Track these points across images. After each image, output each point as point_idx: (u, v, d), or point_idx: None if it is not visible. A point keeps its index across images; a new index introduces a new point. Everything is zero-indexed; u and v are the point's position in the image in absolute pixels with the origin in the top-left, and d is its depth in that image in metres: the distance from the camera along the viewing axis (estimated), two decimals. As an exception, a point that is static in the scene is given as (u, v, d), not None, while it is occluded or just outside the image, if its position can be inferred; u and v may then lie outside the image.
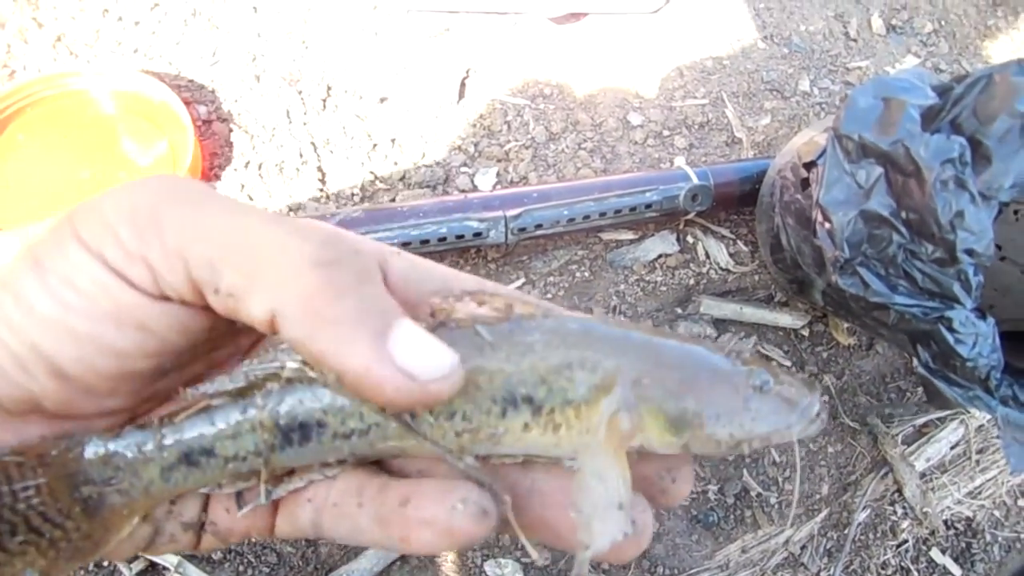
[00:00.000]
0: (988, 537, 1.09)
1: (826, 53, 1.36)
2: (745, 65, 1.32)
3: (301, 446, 0.34)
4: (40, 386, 0.31)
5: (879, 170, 0.84)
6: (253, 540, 0.88)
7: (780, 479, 1.05)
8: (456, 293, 0.36)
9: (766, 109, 1.28)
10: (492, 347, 0.34)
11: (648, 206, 1.07)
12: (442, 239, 0.99)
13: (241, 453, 0.34)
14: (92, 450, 0.33)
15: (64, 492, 0.33)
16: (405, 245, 0.98)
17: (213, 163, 1.10)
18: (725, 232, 1.17)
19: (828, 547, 1.04)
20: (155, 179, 0.32)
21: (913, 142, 0.80)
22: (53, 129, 1.08)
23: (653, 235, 1.15)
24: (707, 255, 1.15)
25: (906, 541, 1.06)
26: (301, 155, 1.12)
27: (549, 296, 1.09)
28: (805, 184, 0.95)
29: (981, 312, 0.82)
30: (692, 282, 1.13)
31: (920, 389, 1.13)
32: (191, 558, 0.90)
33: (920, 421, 1.11)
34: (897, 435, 1.09)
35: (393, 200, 1.11)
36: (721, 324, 1.12)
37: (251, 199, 1.08)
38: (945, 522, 1.08)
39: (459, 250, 1.06)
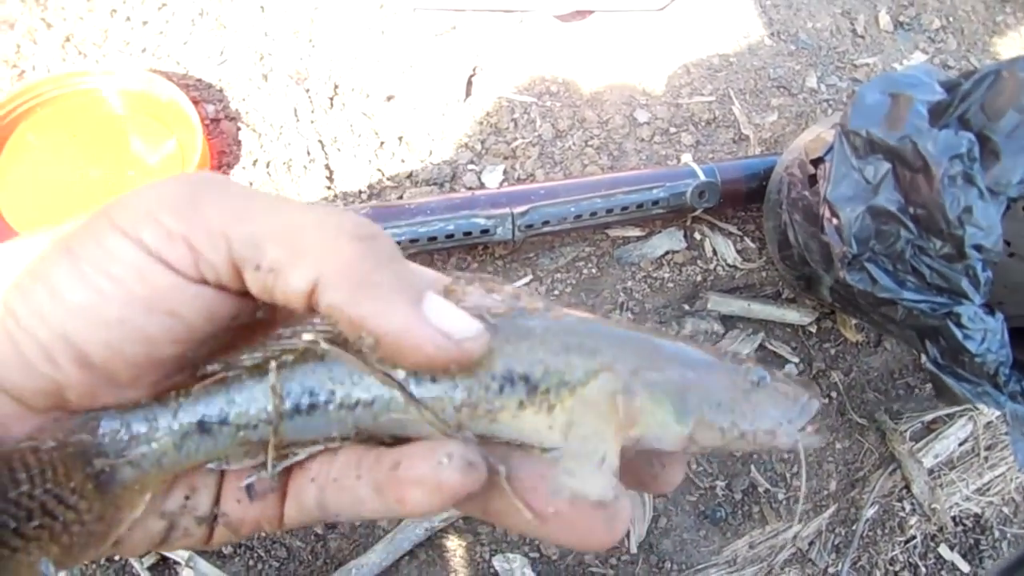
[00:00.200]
0: (996, 534, 1.09)
1: (833, 50, 1.36)
2: (752, 62, 1.32)
3: (309, 415, 0.35)
4: (65, 376, 0.32)
5: (887, 166, 0.84)
6: (263, 533, 0.89)
7: (788, 475, 1.05)
8: (468, 277, 0.38)
9: (773, 106, 1.28)
10: (496, 328, 0.35)
11: (655, 203, 1.07)
12: (449, 236, 1.00)
13: (252, 421, 0.35)
14: (107, 423, 0.34)
15: (78, 469, 0.33)
16: (413, 242, 0.99)
17: (221, 161, 1.11)
18: (732, 229, 1.17)
19: (836, 543, 1.04)
20: (189, 173, 0.34)
21: (921, 138, 0.80)
22: (62, 129, 1.08)
23: (660, 232, 1.15)
24: (714, 252, 1.15)
25: (914, 537, 1.06)
26: (309, 153, 1.12)
27: (556, 292, 1.10)
28: (812, 181, 0.95)
29: (990, 308, 0.82)
30: (699, 279, 1.13)
31: (928, 386, 1.13)
32: (202, 553, 0.90)
33: (928, 417, 1.11)
34: (905, 431, 1.09)
35: (400, 197, 1.11)
36: (728, 321, 1.12)
37: (259, 197, 1.08)
38: (953, 518, 1.08)
39: (466, 247, 1.07)
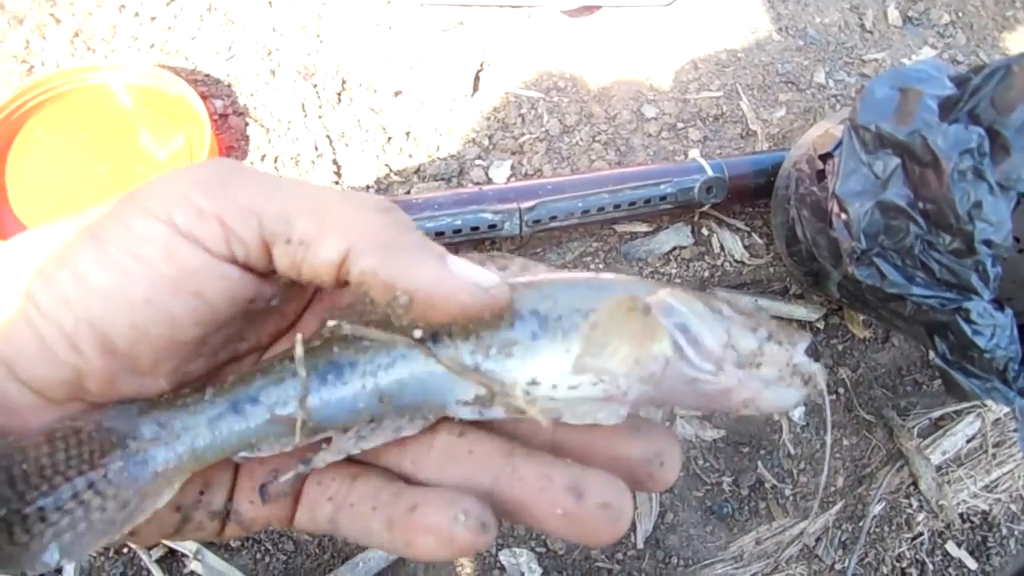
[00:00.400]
0: (1004, 531, 1.08)
1: (842, 45, 1.36)
2: (760, 57, 1.31)
3: (335, 385, 0.36)
4: (87, 363, 0.32)
5: (896, 161, 0.84)
6: (272, 529, 0.89)
7: (795, 471, 1.05)
8: (479, 257, 0.40)
9: (781, 101, 1.28)
10: (513, 287, 0.37)
11: (663, 198, 1.07)
12: (457, 231, 1.00)
13: (282, 398, 0.36)
14: (143, 408, 0.35)
15: (114, 453, 0.33)
16: (420, 237, 0.99)
17: (229, 156, 1.11)
18: (740, 224, 1.17)
19: (843, 539, 1.04)
20: (214, 160, 0.35)
21: (931, 132, 0.80)
22: (71, 123, 1.09)
23: (667, 227, 1.15)
24: (722, 247, 1.15)
25: (921, 534, 1.06)
26: (316, 148, 1.13)
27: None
28: (821, 176, 0.95)
29: (999, 303, 0.82)
30: (707, 274, 1.13)
31: (936, 382, 1.12)
32: (209, 545, 0.91)
33: (936, 414, 1.10)
34: (913, 428, 1.09)
35: (408, 192, 1.11)
36: (735, 316, 1.11)
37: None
38: (961, 515, 1.07)
39: (474, 242, 1.07)
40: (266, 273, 0.36)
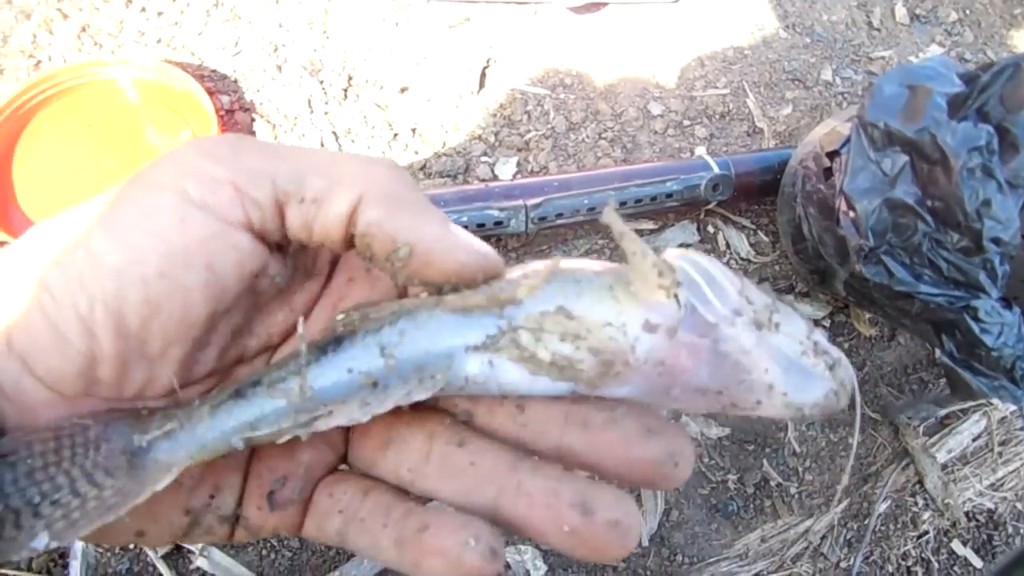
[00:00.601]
0: (1010, 529, 1.08)
1: (849, 43, 1.35)
2: (767, 55, 1.31)
3: (334, 354, 0.35)
4: (100, 347, 0.32)
5: (904, 158, 0.83)
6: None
7: (800, 469, 1.05)
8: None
9: (788, 99, 1.27)
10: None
11: (669, 196, 1.06)
12: (463, 228, 1.00)
13: (282, 376, 0.35)
14: (151, 410, 0.35)
15: (118, 449, 0.33)
16: (426, 234, 0.99)
17: (236, 152, 1.11)
18: (746, 222, 1.17)
19: (848, 537, 1.04)
20: (222, 134, 0.36)
21: (939, 130, 0.80)
22: (78, 118, 1.09)
23: (673, 225, 1.15)
24: (728, 245, 1.15)
25: (927, 532, 1.06)
26: (323, 144, 1.13)
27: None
28: (827, 174, 0.95)
29: (1007, 302, 0.82)
30: (712, 272, 1.13)
31: (942, 381, 1.12)
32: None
33: (942, 412, 1.10)
34: (919, 426, 1.08)
35: (414, 189, 1.11)
36: (741, 314, 1.11)
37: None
38: (966, 514, 1.07)
39: (479, 239, 1.06)
40: (275, 244, 0.36)
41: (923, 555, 1.05)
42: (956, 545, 1.06)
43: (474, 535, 0.33)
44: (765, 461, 1.05)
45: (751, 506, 1.03)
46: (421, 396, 0.35)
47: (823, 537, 1.03)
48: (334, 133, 1.14)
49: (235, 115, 1.13)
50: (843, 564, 1.02)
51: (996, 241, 0.78)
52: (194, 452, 0.34)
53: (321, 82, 1.17)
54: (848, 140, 0.89)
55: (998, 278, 0.80)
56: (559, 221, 1.03)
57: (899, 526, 1.06)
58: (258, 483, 0.38)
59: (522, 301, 0.34)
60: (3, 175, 1.04)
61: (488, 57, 1.24)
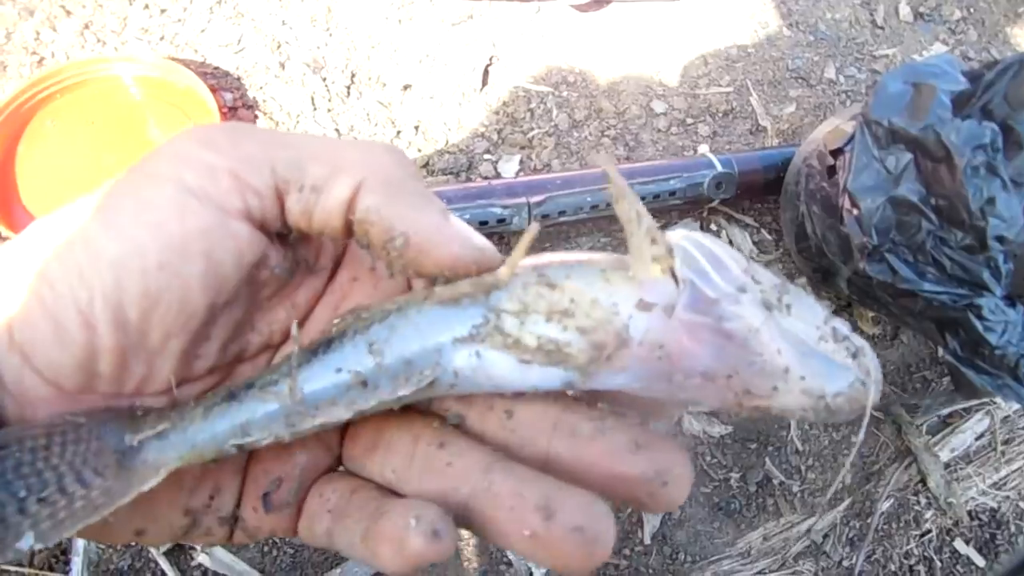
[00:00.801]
0: (1013, 528, 1.08)
1: (852, 41, 1.35)
2: (770, 53, 1.31)
3: (324, 354, 0.34)
4: (100, 340, 0.32)
5: (909, 156, 0.83)
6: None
7: (803, 467, 1.05)
8: None
9: (791, 97, 1.27)
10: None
11: (672, 193, 1.06)
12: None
13: (274, 379, 0.34)
14: (145, 409, 0.35)
15: (108, 448, 0.33)
16: (429, 231, 0.99)
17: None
18: (749, 220, 1.17)
19: (851, 536, 1.03)
20: (214, 123, 0.35)
21: (944, 128, 0.80)
22: (81, 115, 1.09)
23: (677, 223, 1.15)
24: (731, 243, 1.15)
25: (929, 531, 1.06)
26: (325, 142, 1.12)
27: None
28: (831, 172, 0.94)
29: (1011, 300, 0.81)
30: (715, 270, 1.13)
31: (946, 379, 1.12)
32: (218, 539, 0.91)
33: (945, 411, 1.10)
34: (921, 425, 1.08)
35: (416, 187, 1.11)
36: (744, 312, 1.11)
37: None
38: (969, 513, 1.07)
39: (478, 233, 1.06)
40: (275, 234, 0.35)
41: (926, 554, 1.05)
42: (959, 544, 1.06)
43: (416, 515, 0.31)
44: (768, 459, 1.05)
45: (753, 504, 1.03)
46: (408, 392, 0.34)
47: (825, 536, 1.03)
48: (337, 131, 1.14)
49: (238, 112, 1.13)
50: (845, 563, 1.02)
51: (1000, 239, 0.78)
52: (184, 453, 0.34)
53: (324, 79, 1.17)
54: (852, 138, 0.89)
55: (1002, 276, 0.80)
56: (562, 219, 1.03)
57: (902, 525, 1.05)
58: (255, 485, 0.37)
59: (506, 283, 0.33)
60: (6, 172, 1.04)
61: (491, 55, 1.24)
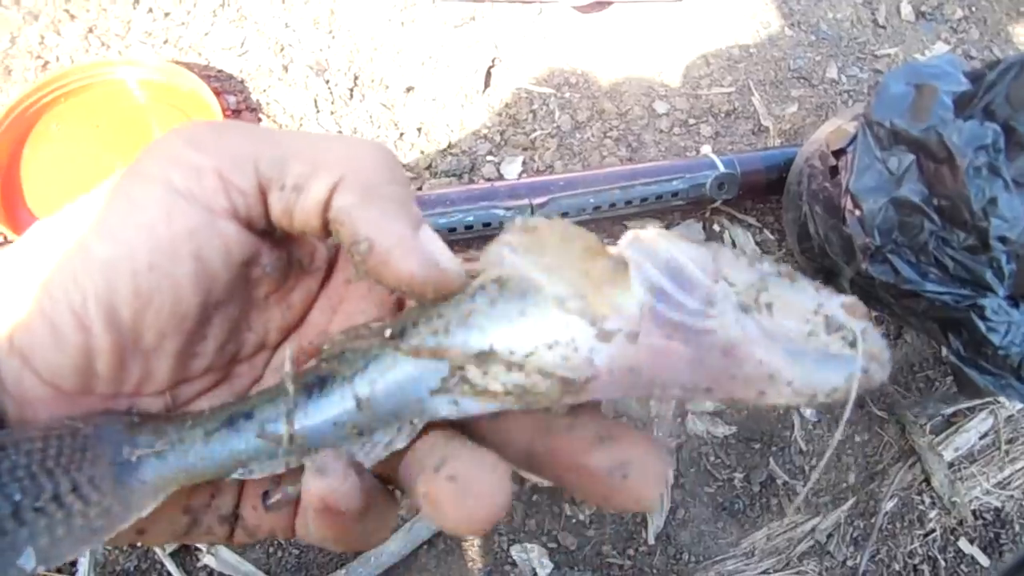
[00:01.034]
0: (1017, 527, 1.08)
1: (854, 40, 1.35)
2: (772, 53, 1.31)
3: (317, 399, 0.35)
4: (96, 341, 0.32)
5: (911, 157, 0.83)
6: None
7: (806, 467, 1.05)
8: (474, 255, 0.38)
9: (793, 97, 1.27)
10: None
11: (674, 194, 1.06)
12: (468, 227, 1.00)
13: (273, 415, 0.35)
14: (143, 418, 0.35)
15: (104, 457, 0.33)
16: (433, 233, 0.99)
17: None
18: (752, 221, 1.17)
19: (855, 536, 1.04)
20: (202, 120, 0.35)
21: (946, 128, 0.80)
22: (85, 119, 1.10)
23: (679, 224, 1.15)
24: (733, 243, 1.15)
25: (933, 531, 1.06)
26: (329, 144, 1.13)
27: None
28: (833, 172, 0.94)
29: (1014, 300, 0.81)
30: (718, 271, 1.13)
31: (949, 379, 1.12)
32: (224, 540, 0.91)
33: (949, 411, 1.10)
34: (925, 425, 1.08)
35: (420, 189, 1.11)
36: (747, 313, 1.11)
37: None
38: (973, 512, 1.07)
39: (485, 238, 1.07)
40: (264, 232, 0.36)
41: (930, 553, 1.05)
42: (963, 543, 1.06)
43: (316, 463, 0.32)
44: (771, 459, 1.05)
45: (757, 504, 1.03)
46: (402, 444, 0.34)
47: (829, 535, 1.03)
48: (340, 133, 1.14)
49: (241, 115, 1.13)
50: (850, 562, 1.02)
51: (1002, 239, 0.78)
52: (183, 478, 0.34)
53: (327, 82, 1.17)
54: (854, 138, 0.89)
55: (1005, 276, 0.80)
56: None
57: (906, 524, 1.06)
58: (255, 483, 0.37)
59: (456, 335, 0.33)
60: (11, 176, 1.05)
61: (493, 56, 1.24)
